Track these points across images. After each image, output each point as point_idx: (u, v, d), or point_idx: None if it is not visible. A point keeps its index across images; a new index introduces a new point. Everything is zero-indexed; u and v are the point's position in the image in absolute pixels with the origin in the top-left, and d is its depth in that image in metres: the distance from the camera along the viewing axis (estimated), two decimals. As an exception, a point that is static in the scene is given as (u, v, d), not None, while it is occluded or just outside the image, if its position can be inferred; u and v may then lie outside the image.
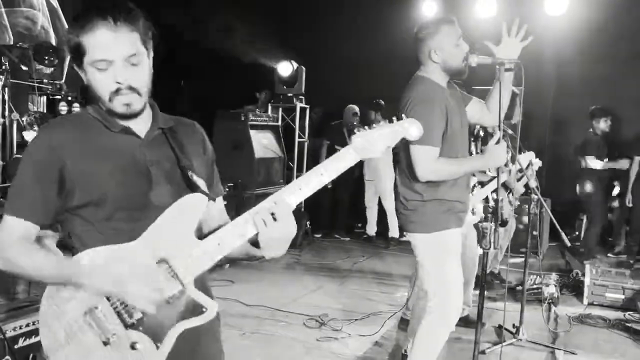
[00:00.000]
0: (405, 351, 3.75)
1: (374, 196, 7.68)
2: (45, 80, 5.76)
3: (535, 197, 4.22)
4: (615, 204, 7.44)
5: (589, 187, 6.84)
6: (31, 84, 5.61)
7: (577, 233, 7.79)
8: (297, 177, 7.75)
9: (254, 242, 1.59)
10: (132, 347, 1.51)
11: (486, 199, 4.42)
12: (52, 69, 5.79)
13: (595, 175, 6.85)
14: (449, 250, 3.00)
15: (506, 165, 4.14)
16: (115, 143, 1.62)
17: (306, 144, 7.98)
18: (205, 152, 1.84)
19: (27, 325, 2.92)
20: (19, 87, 5.52)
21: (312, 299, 5.28)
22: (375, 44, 8.20)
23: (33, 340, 2.92)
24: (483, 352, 4.02)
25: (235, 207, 6.29)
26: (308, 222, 7.56)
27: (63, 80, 6.11)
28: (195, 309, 1.58)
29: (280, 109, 7.82)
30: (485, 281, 3.16)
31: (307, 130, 8.00)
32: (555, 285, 5.17)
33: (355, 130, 1.62)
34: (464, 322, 4.53)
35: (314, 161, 8.01)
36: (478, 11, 7.84)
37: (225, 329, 4.29)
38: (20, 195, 1.59)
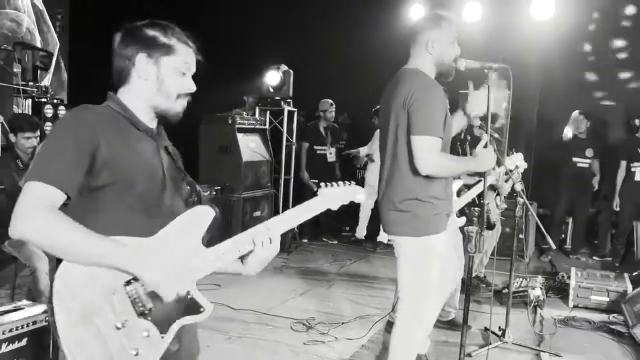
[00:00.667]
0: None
1: (370, 201, 7.68)
2: (30, 83, 5.71)
3: (521, 200, 4.25)
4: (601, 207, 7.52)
5: None
6: (16, 86, 5.57)
7: (562, 236, 7.86)
8: (284, 180, 7.80)
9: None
10: (147, 335, 1.61)
11: (472, 202, 4.45)
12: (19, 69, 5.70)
13: None
14: (435, 254, 2.99)
15: (494, 168, 4.17)
16: (140, 140, 1.76)
17: (294, 147, 7.98)
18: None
19: (11, 330, 2.89)
20: (4, 90, 5.48)
21: (299, 302, 5.27)
22: (363, 47, 8.21)
23: (17, 345, 2.89)
24: (469, 355, 4.05)
25: (222, 211, 6.28)
26: (295, 226, 7.54)
27: (49, 83, 6.07)
28: (195, 308, 1.70)
29: (268, 112, 7.82)
30: (470, 285, 3.17)
31: (294, 133, 8.00)
32: (541, 288, 5.20)
33: (322, 184, 1.96)
34: (451, 325, 4.56)
35: (298, 164, 8.01)
36: (464, 15, 7.90)
37: (211, 333, 4.30)
38: (54, 162, 1.57)
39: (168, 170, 1.81)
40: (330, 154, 8.01)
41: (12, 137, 4.41)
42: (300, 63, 7.93)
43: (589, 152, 7.13)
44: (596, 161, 7.19)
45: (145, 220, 1.69)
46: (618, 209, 6.94)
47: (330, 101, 7.89)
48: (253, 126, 7.22)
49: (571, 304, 5.26)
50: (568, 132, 7.17)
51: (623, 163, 6.86)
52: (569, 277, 5.46)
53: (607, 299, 5.13)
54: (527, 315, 4.73)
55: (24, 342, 2.92)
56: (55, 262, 1.60)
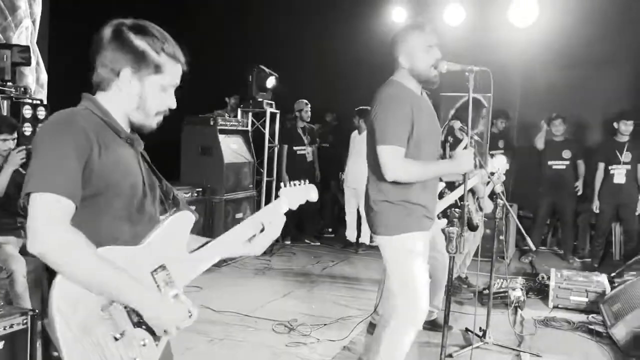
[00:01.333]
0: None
1: (353, 202, 7.71)
2: (9, 83, 5.62)
3: (501, 202, 4.29)
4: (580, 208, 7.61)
5: None
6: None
7: (542, 238, 7.95)
8: (266, 182, 7.78)
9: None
10: (143, 344, 1.63)
11: (455, 204, 4.48)
12: None
13: None
14: (413, 253, 3.02)
15: (476, 167, 4.19)
16: (121, 147, 1.73)
17: (276, 149, 7.97)
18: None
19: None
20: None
21: (281, 304, 5.26)
22: (347, 50, 8.25)
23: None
24: (450, 356, 4.07)
25: (204, 212, 6.24)
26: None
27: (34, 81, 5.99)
28: (187, 314, 1.71)
29: (250, 114, 7.80)
30: (452, 285, 3.19)
31: (276, 135, 7.99)
32: (522, 289, 5.24)
33: (282, 184, 2.04)
34: (432, 325, 4.57)
35: (279, 166, 7.98)
36: (446, 18, 7.95)
37: (193, 336, 4.27)
38: (60, 172, 1.51)
39: (146, 177, 1.81)
40: (309, 154, 8.02)
41: None
42: (284, 65, 7.93)
43: (566, 154, 7.21)
44: (581, 163, 7.27)
45: (129, 228, 1.69)
46: (597, 210, 7.03)
47: (306, 101, 7.89)
48: (235, 128, 7.20)
49: (551, 304, 5.32)
50: (539, 143, 7.26)
51: (601, 165, 6.94)
52: (548, 278, 5.52)
53: (586, 300, 5.20)
54: (507, 316, 4.77)
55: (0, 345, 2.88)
56: (43, 269, 1.57)
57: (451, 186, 4.43)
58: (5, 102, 5.57)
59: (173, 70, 1.76)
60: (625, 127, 6.73)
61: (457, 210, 3.01)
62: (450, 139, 5.20)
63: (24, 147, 4.14)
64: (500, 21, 7.64)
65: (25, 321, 2.99)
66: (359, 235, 7.81)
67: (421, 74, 3.01)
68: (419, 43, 2.98)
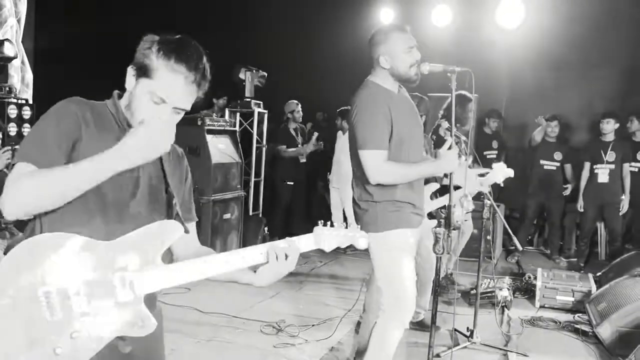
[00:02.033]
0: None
1: (339, 202, 7.70)
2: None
3: (488, 202, 4.31)
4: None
5: None
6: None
7: (529, 238, 8.00)
8: (254, 182, 7.77)
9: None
10: (71, 335, 1.56)
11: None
12: None
13: None
14: (399, 249, 3.03)
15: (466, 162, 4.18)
16: (120, 140, 1.64)
17: (264, 149, 7.95)
18: (186, 180, 1.97)
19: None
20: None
21: (269, 305, 5.25)
22: (335, 50, 8.25)
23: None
24: (438, 356, 4.08)
25: (192, 213, 6.20)
26: (266, 228, 7.53)
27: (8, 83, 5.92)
28: (136, 323, 1.64)
29: (238, 114, 7.77)
30: (439, 285, 3.20)
31: (265, 135, 7.98)
32: (508, 289, 5.28)
33: (319, 223, 1.91)
34: (420, 326, 4.59)
35: (271, 168, 7.98)
36: (434, 19, 7.98)
37: (180, 337, 4.26)
38: (36, 144, 1.60)
39: (147, 177, 1.77)
40: (302, 155, 8.01)
41: None
42: (272, 65, 7.92)
43: (557, 156, 7.26)
44: (568, 166, 7.33)
45: (102, 223, 1.66)
46: (582, 210, 7.09)
47: (296, 102, 7.88)
48: (223, 128, 7.17)
49: (537, 304, 5.36)
50: (537, 136, 7.28)
51: (587, 165, 7.00)
52: (535, 278, 5.55)
53: (572, 299, 5.24)
54: (494, 316, 4.79)
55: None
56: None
57: (443, 190, 4.41)
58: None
59: (167, 80, 1.66)
60: (606, 126, 6.79)
61: (443, 210, 3.02)
62: (433, 137, 5.22)
63: (9, 147, 4.10)
64: (488, 22, 7.70)
65: None
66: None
67: (402, 75, 3.04)
68: (400, 44, 3.01)
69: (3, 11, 6.65)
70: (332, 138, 7.92)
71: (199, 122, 6.64)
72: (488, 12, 7.78)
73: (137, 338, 1.67)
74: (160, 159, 1.79)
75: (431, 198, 4.28)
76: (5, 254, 3.70)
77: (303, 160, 8.04)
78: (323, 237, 1.89)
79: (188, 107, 1.74)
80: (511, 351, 4.24)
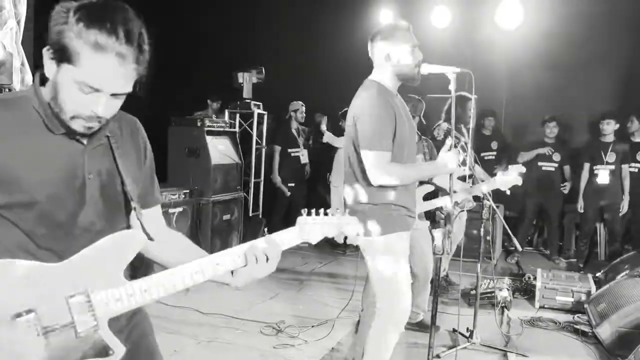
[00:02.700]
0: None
1: (340, 202, 7.69)
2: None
3: (488, 202, 4.31)
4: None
5: None
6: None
7: (528, 238, 8.01)
8: (254, 183, 7.77)
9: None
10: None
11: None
12: None
13: None
14: (394, 253, 3.03)
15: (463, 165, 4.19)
16: (53, 147, 1.43)
17: (264, 150, 7.96)
18: (145, 159, 1.68)
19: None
20: None
21: (269, 306, 5.25)
22: (333, 51, 8.25)
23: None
24: (438, 357, 4.08)
25: (192, 214, 6.22)
26: (266, 229, 7.54)
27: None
28: (102, 350, 1.45)
29: (238, 115, 7.78)
30: (439, 286, 3.20)
31: (264, 136, 7.98)
32: (508, 290, 5.27)
33: (302, 212, 1.73)
34: (420, 326, 4.59)
35: (270, 168, 7.98)
36: (433, 20, 8.00)
37: (180, 338, 4.26)
38: None
39: (95, 177, 1.49)
40: (303, 156, 8.02)
41: None
42: (272, 66, 7.93)
43: (556, 157, 7.27)
44: (568, 168, 7.34)
45: (48, 243, 1.43)
46: (582, 210, 7.09)
47: (301, 102, 7.90)
48: (222, 129, 7.18)
49: (537, 304, 5.36)
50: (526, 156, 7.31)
51: (586, 165, 7.01)
52: (535, 279, 5.56)
53: (572, 300, 5.24)
54: (494, 316, 4.80)
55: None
56: None
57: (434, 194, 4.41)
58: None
59: (96, 64, 1.32)
60: (606, 127, 6.80)
61: (442, 212, 3.03)
62: (429, 138, 5.23)
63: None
64: (487, 23, 7.71)
65: None
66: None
67: (407, 73, 3.02)
68: (405, 45, 3.00)
69: (2, 13, 6.64)
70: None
71: (199, 123, 6.65)
72: (487, 12, 7.79)
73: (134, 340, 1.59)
74: (110, 145, 1.52)
75: (426, 199, 4.29)
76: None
77: (305, 161, 8.04)
78: (307, 228, 1.70)
79: (129, 89, 1.41)
80: (511, 352, 4.25)
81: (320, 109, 8.92)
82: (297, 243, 1.71)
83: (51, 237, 1.43)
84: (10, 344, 1.35)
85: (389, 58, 3.00)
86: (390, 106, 2.94)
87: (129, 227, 1.60)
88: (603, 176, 6.87)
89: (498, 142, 7.90)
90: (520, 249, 4.59)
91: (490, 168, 7.01)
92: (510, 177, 4.26)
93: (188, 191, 6.35)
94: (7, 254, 1.39)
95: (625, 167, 6.86)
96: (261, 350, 4.18)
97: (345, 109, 7.25)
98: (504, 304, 5.10)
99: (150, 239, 1.56)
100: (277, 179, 7.77)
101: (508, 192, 4.27)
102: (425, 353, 3.35)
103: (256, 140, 7.82)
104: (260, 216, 7.92)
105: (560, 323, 4.91)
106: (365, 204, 3.00)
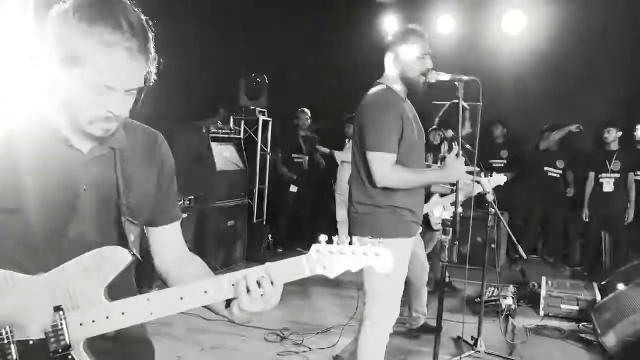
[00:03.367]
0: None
1: (344, 209, 7.68)
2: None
3: (493, 210, 4.31)
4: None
5: None
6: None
7: (534, 246, 7.98)
8: (258, 190, 7.78)
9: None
10: None
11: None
12: None
13: None
14: (395, 260, 3.02)
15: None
16: (48, 156, 1.35)
17: (268, 157, 7.98)
18: (160, 176, 1.60)
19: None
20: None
21: (273, 312, 5.18)
22: (338, 58, 8.27)
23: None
24: (442, 365, 4.07)
25: (196, 221, 6.23)
26: (270, 236, 7.54)
27: None
28: None
29: (243, 122, 7.80)
30: (443, 292, 3.20)
31: (269, 143, 8.01)
32: (513, 298, 5.26)
33: (321, 239, 1.48)
34: (424, 330, 4.61)
35: (275, 174, 7.99)
36: (438, 27, 8.03)
37: (185, 345, 4.26)
38: None
39: (91, 192, 1.40)
40: (305, 162, 8.03)
41: None
42: (277, 72, 7.95)
43: (560, 164, 7.27)
44: (570, 172, 7.33)
45: (36, 254, 1.35)
46: (587, 219, 7.07)
47: (307, 110, 7.93)
48: (227, 135, 7.21)
49: (542, 313, 5.34)
50: (557, 135, 7.26)
51: (592, 174, 6.99)
52: (540, 287, 5.54)
53: (577, 308, 5.22)
54: (499, 325, 4.78)
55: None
56: None
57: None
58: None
59: (107, 61, 1.26)
60: (609, 135, 6.79)
61: (448, 219, 3.02)
62: (436, 142, 5.23)
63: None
64: (491, 30, 7.73)
65: None
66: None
67: (410, 79, 3.03)
68: (416, 50, 3.00)
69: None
70: (334, 146, 7.94)
71: (204, 130, 6.67)
72: (492, 20, 7.82)
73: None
74: (115, 160, 1.45)
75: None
76: None
77: (307, 168, 8.06)
78: (324, 260, 1.46)
79: (141, 84, 1.35)
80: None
81: (325, 115, 8.93)
82: (307, 276, 1.46)
83: (37, 248, 1.35)
84: None
85: (398, 60, 3.01)
86: (397, 109, 2.94)
87: (125, 244, 1.43)
88: (608, 185, 6.86)
89: (509, 151, 7.89)
90: (525, 256, 4.57)
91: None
92: (492, 179, 4.32)
93: (192, 197, 6.37)
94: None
95: (631, 175, 6.84)
96: (265, 357, 4.18)
97: (351, 115, 7.30)
98: (508, 312, 5.09)
99: (139, 258, 1.44)
100: (283, 169, 7.79)
101: (492, 197, 4.25)
102: (429, 361, 3.34)
103: (261, 147, 7.84)
104: (265, 223, 7.92)
105: (565, 331, 4.89)
106: (369, 205, 3.00)
